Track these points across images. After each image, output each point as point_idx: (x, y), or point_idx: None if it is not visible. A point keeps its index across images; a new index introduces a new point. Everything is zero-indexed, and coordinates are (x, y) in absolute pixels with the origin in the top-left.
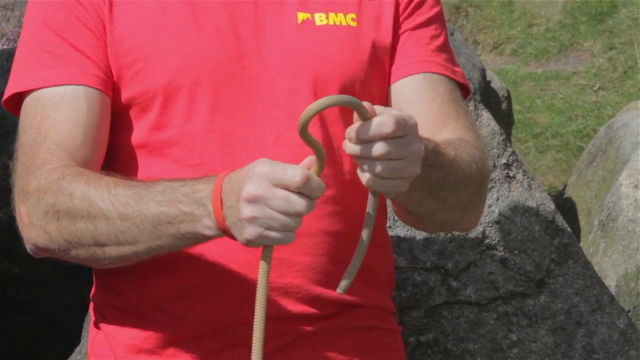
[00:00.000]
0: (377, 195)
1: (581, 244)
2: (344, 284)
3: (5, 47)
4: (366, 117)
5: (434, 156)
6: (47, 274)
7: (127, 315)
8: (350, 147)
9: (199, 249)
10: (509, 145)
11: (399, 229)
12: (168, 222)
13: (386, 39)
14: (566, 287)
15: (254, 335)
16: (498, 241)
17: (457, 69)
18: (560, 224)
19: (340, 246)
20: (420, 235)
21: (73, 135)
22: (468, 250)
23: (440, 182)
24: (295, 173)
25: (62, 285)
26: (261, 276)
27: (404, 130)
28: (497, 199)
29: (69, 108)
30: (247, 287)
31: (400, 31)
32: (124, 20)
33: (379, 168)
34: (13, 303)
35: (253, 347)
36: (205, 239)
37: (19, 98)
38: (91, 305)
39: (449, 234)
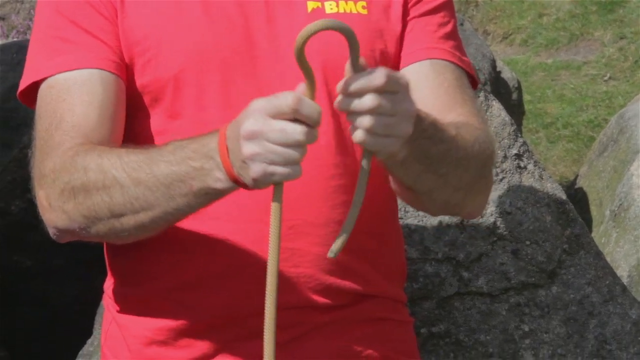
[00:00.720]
0: (369, 156)
1: (593, 234)
2: (336, 246)
3: (15, 39)
4: (358, 67)
5: (432, 129)
6: (58, 266)
7: (140, 307)
8: (341, 101)
9: (212, 240)
10: (519, 135)
11: (410, 219)
12: (180, 180)
13: (395, 26)
14: (578, 278)
15: (267, 280)
16: (509, 232)
17: (464, 58)
18: (571, 214)
19: (353, 236)
20: (431, 226)
21: (88, 117)
22: (479, 241)
23: (440, 157)
24: (286, 97)
25: (74, 277)
26: (273, 217)
27: (396, 86)
28: (508, 190)
29: (84, 90)
30: (260, 277)
31: (408, 18)
32: (135, 9)
33: (369, 121)
34: (25, 295)
35: (267, 293)
36: (218, 193)
37: (34, 90)
38: (104, 296)
39: (460, 224)
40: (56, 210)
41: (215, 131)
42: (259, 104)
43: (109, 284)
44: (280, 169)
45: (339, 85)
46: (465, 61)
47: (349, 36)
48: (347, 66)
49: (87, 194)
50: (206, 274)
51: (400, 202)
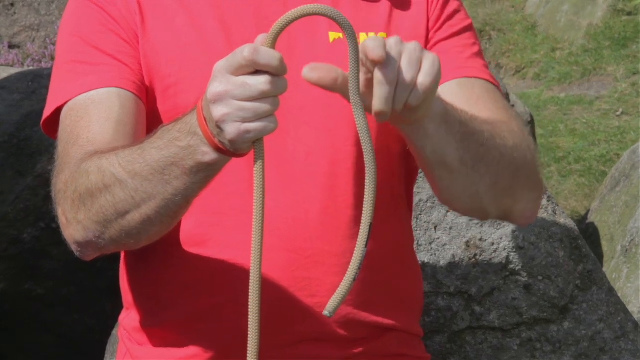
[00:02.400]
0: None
1: (604, 269)
2: (332, 304)
3: (30, 67)
4: (353, 40)
5: (450, 107)
6: (70, 294)
7: (155, 338)
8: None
9: (228, 268)
10: None
11: (422, 253)
12: (171, 163)
13: None
14: (590, 314)
15: (252, 247)
16: (522, 267)
17: (493, 76)
18: (584, 250)
19: (370, 266)
20: (444, 260)
21: (104, 132)
22: (492, 275)
23: (475, 125)
24: (242, 49)
25: (86, 306)
26: (257, 177)
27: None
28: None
29: (101, 108)
30: (280, 306)
31: (432, 43)
32: (155, 36)
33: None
34: (37, 323)
35: (252, 265)
36: (210, 167)
37: (57, 118)
38: (119, 328)
39: (473, 258)
40: (72, 223)
41: (195, 107)
42: (220, 64)
43: (124, 316)
44: (253, 125)
45: (365, 53)
46: (494, 79)
47: (341, 22)
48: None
49: (92, 198)
50: (220, 302)
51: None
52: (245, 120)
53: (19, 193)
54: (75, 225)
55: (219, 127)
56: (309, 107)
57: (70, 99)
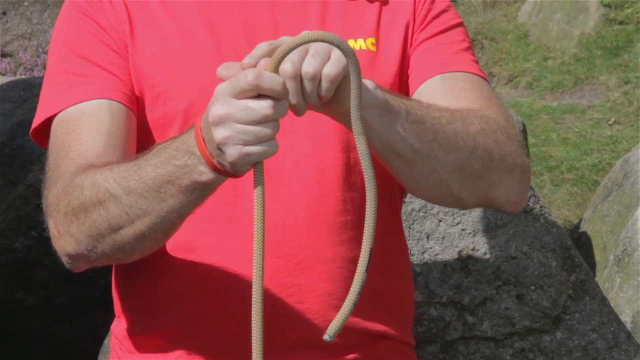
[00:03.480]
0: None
1: (596, 278)
2: (332, 328)
3: (22, 76)
4: (356, 69)
5: (393, 97)
6: (62, 303)
7: (146, 346)
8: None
9: (215, 276)
10: None
11: (415, 263)
12: (167, 181)
13: (405, 55)
14: (583, 324)
15: (254, 269)
16: (514, 276)
17: (482, 72)
18: (577, 260)
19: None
20: (436, 269)
21: (95, 144)
22: (484, 285)
23: (424, 109)
24: (245, 74)
25: (77, 315)
26: (257, 202)
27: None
28: (514, 234)
29: (92, 120)
30: (270, 313)
31: (416, 44)
32: (145, 45)
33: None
34: (28, 332)
35: (254, 279)
36: (207, 186)
37: (47, 127)
38: (111, 338)
39: (465, 268)
40: (64, 235)
41: (192, 126)
42: (222, 87)
43: (116, 325)
44: (254, 148)
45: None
46: (483, 73)
47: (344, 49)
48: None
49: (86, 212)
50: (212, 310)
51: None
52: (246, 143)
53: (11, 202)
54: (67, 238)
55: (219, 149)
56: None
57: (61, 110)
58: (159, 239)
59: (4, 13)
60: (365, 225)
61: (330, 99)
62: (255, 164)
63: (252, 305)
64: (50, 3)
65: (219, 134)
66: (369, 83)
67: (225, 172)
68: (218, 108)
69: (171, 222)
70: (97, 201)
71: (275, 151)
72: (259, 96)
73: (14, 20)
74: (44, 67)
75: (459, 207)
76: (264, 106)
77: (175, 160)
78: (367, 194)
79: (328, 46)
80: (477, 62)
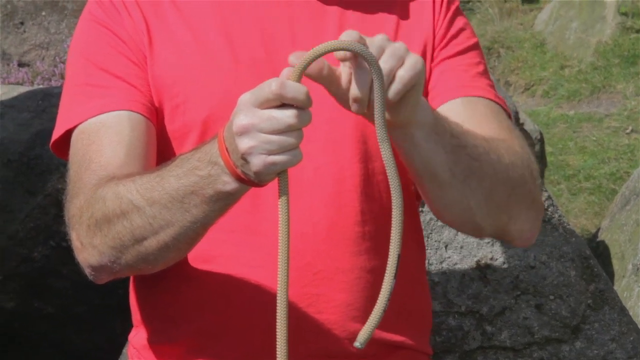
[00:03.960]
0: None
1: (615, 287)
2: (363, 335)
3: (40, 86)
4: (380, 77)
5: (440, 118)
6: (80, 312)
7: (164, 356)
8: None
9: (236, 286)
10: (544, 189)
11: (433, 273)
12: (191, 192)
13: (427, 72)
14: (602, 334)
15: (279, 278)
16: (533, 286)
17: (499, 95)
18: (596, 269)
19: (377, 283)
20: (454, 279)
21: (116, 155)
22: (503, 294)
23: (469, 137)
24: (269, 84)
25: (95, 324)
26: (282, 211)
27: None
28: (533, 243)
29: (112, 132)
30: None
31: (437, 61)
32: (164, 55)
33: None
34: (46, 341)
35: (278, 288)
36: (230, 196)
37: (67, 139)
38: (129, 347)
39: (484, 278)
40: (87, 247)
41: (215, 136)
42: (245, 97)
43: (134, 334)
44: (279, 157)
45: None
46: (500, 98)
47: (368, 57)
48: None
49: (109, 224)
50: (231, 321)
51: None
52: (271, 153)
53: (29, 212)
54: (91, 249)
55: (244, 159)
56: (314, 122)
57: (81, 122)
58: (182, 250)
59: (22, 23)
60: (392, 230)
61: (391, 105)
62: (279, 173)
63: (277, 316)
64: (67, 13)
65: (244, 143)
66: (423, 101)
67: (249, 181)
68: (242, 118)
69: (195, 232)
70: (120, 213)
71: (300, 160)
72: (283, 105)
73: (32, 30)
74: (62, 77)
75: (475, 235)
76: (288, 115)
77: (198, 170)
78: (392, 200)
79: (404, 50)
80: (493, 86)
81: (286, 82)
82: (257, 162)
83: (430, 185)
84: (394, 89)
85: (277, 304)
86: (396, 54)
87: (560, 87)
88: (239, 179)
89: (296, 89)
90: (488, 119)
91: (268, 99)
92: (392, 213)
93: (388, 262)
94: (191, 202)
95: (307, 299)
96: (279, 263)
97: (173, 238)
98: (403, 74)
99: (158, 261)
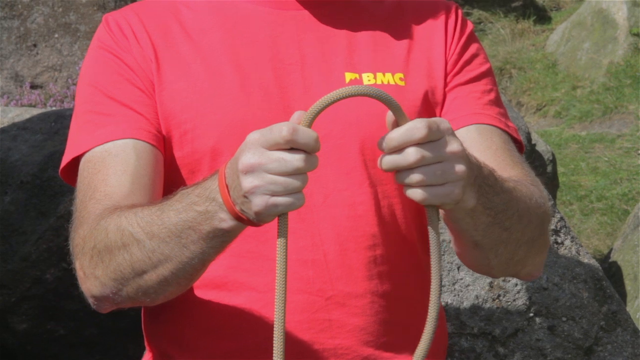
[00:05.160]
0: (435, 214)
1: (627, 309)
2: (419, 352)
3: (52, 107)
4: (400, 120)
5: (492, 177)
6: (92, 334)
7: None
8: (384, 161)
9: (248, 310)
10: (557, 211)
11: (446, 294)
12: (189, 227)
13: (436, 96)
14: (615, 355)
15: (275, 317)
16: (546, 308)
17: (510, 124)
18: (609, 291)
19: (390, 307)
20: (467, 300)
21: (121, 184)
22: (515, 316)
23: (503, 207)
24: (280, 128)
25: (108, 347)
26: (280, 253)
27: (438, 134)
28: (545, 265)
29: (118, 160)
30: (301, 348)
31: (450, 86)
32: (172, 82)
33: (418, 176)
34: None
35: (275, 333)
36: (227, 234)
37: (76, 166)
38: None
39: (496, 299)
40: (90, 277)
41: (216, 172)
42: (254, 137)
43: (146, 358)
44: (282, 199)
45: (379, 142)
46: (511, 127)
47: (387, 101)
48: (389, 119)
49: (110, 255)
50: (241, 346)
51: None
52: (274, 194)
53: (42, 233)
54: (93, 280)
55: (246, 197)
56: (324, 148)
57: (87, 150)
58: (182, 284)
59: (35, 45)
60: (431, 260)
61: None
62: (280, 215)
63: (274, 356)
64: (80, 35)
65: (248, 182)
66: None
67: (247, 220)
68: (249, 157)
69: (193, 268)
70: (121, 245)
71: (302, 204)
72: (291, 148)
73: (44, 52)
74: (74, 99)
75: (484, 275)
76: (297, 159)
77: (196, 206)
78: (429, 225)
79: (455, 162)
80: (503, 114)
81: (298, 128)
82: (259, 202)
83: (455, 242)
84: (414, 193)
85: (274, 346)
86: (439, 173)
87: (572, 108)
88: (236, 217)
89: (307, 135)
90: (503, 151)
91: (278, 143)
92: (430, 238)
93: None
94: (188, 237)
95: (320, 324)
96: (276, 307)
97: (172, 273)
98: (428, 195)
99: (158, 294)
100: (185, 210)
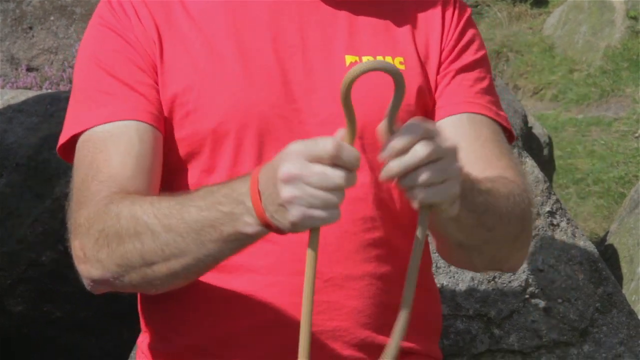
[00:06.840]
0: (427, 217)
1: (623, 291)
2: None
3: (48, 90)
4: (395, 115)
5: (469, 180)
6: (88, 317)
7: None
8: (392, 165)
9: (247, 293)
10: (552, 193)
11: (441, 276)
12: (210, 225)
13: (431, 81)
14: (610, 337)
15: (301, 329)
16: (541, 289)
17: (501, 112)
18: (604, 272)
19: (388, 289)
20: (462, 282)
21: (125, 167)
22: (511, 298)
23: (484, 208)
24: (326, 143)
25: (103, 330)
26: (308, 265)
27: (435, 132)
28: (541, 247)
29: (121, 142)
30: (297, 333)
31: (444, 73)
32: (174, 63)
33: (425, 175)
34: (54, 346)
35: (300, 342)
36: (249, 238)
37: (73, 143)
38: (137, 352)
39: (492, 281)
40: (90, 259)
41: (246, 175)
42: (297, 148)
43: (142, 339)
44: (319, 213)
45: (382, 154)
46: (502, 116)
47: (398, 79)
48: (384, 123)
49: (119, 241)
50: (240, 329)
51: (433, 258)
52: (312, 207)
53: (38, 216)
54: (94, 262)
55: (283, 206)
56: (323, 132)
57: (87, 129)
58: (189, 279)
59: (30, 28)
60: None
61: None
62: (312, 229)
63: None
64: (76, 17)
65: (287, 191)
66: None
67: (274, 227)
68: (291, 167)
69: (206, 265)
70: (133, 233)
71: (337, 220)
72: (332, 164)
73: (40, 34)
74: (70, 82)
75: (471, 269)
76: (339, 176)
77: (221, 206)
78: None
79: (447, 167)
80: (495, 103)
81: (344, 147)
82: (297, 213)
83: (436, 242)
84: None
85: (300, 347)
86: (435, 176)
87: (569, 91)
88: (265, 223)
89: (351, 154)
90: (491, 143)
91: (321, 157)
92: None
93: (415, 235)
94: (208, 235)
95: (318, 307)
96: (302, 318)
97: (183, 267)
98: (425, 196)
99: (163, 286)
100: (208, 208)
